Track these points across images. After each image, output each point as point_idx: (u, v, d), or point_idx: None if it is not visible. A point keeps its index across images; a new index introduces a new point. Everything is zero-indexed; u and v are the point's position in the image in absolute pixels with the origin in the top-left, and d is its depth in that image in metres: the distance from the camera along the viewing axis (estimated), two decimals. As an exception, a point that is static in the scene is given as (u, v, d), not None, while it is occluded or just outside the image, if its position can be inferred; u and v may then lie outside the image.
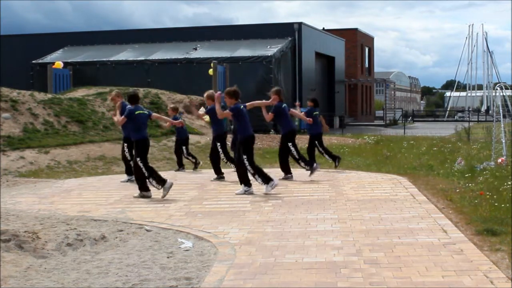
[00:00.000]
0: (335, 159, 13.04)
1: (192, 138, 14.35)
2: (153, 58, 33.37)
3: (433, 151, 16.96)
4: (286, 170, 11.63)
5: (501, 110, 14.08)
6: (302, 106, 17.19)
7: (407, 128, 36.19)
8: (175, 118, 13.49)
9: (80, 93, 22.64)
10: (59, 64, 28.41)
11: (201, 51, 33.87)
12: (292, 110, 12.54)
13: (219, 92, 10.40)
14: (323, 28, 47.33)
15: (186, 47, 34.82)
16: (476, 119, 53.52)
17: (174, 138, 13.99)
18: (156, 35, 38.05)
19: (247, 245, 6.34)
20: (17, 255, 5.96)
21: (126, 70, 32.56)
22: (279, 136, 12.40)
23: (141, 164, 9.59)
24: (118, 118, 10.41)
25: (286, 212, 8.16)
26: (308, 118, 12.50)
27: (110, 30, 42.13)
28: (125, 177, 11.75)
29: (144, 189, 9.65)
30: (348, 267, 5.43)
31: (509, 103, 16.32)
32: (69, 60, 33.04)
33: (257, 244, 6.38)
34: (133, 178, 11.45)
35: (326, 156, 13.09)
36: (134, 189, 10.27)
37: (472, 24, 79.54)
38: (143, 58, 33.58)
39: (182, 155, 13.57)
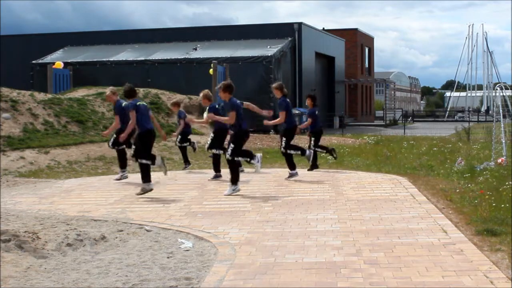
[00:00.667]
0: (331, 152, 13.12)
1: (193, 138, 14.33)
2: (153, 58, 33.37)
3: (433, 151, 16.96)
4: (292, 166, 11.59)
5: (501, 110, 14.08)
6: (302, 106, 17.16)
7: (407, 128, 36.19)
8: (180, 113, 13.47)
9: (80, 93, 22.64)
10: (59, 64, 28.41)
11: (201, 51, 33.87)
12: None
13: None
14: (323, 28, 47.35)
15: (186, 47, 34.82)
16: (476, 119, 53.52)
17: (174, 138, 13.94)
18: (156, 35, 38.05)
19: (247, 245, 6.34)
20: (17, 255, 5.95)
21: (126, 70, 32.55)
22: (279, 136, 12.38)
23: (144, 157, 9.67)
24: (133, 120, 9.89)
25: (286, 212, 8.16)
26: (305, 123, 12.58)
27: (110, 30, 42.13)
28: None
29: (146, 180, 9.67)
30: (348, 267, 5.43)
31: (509, 103, 16.30)
32: (69, 60, 33.04)
33: (257, 244, 6.38)
34: (125, 174, 11.59)
35: (319, 150, 13.09)
36: (134, 189, 10.28)
37: (472, 24, 79.48)
38: (143, 58, 33.57)
39: (186, 151, 13.57)
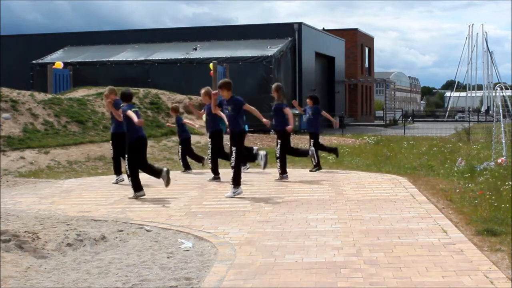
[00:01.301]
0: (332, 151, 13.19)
1: (193, 138, 14.33)
2: (153, 58, 33.38)
3: (433, 151, 16.96)
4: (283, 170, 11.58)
5: (501, 110, 14.07)
6: (302, 106, 17.17)
7: (407, 128, 36.20)
8: (178, 119, 13.47)
9: (80, 93, 22.64)
10: (59, 64, 28.42)
11: (201, 51, 33.88)
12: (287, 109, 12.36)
13: (215, 92, 10.39)
14: (323, 28, 47.37)
15: (186, 47, 34.83)
16: (476, 119, 53.52)
17: (174, 138, 13.91)
18: (156, 35, 38.08)
19: (247, 245, 6.34)
20: (17, 255, 5.95)
21: (126, 70, 32.58)
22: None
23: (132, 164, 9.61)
24: (134, 118, 9.67)
25: (286, 212, 8.16)
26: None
27: (110, 30, 42.16)
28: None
29: (136, 189, 9.59)
30: (348, 267, 5.43)
31: (509, 103, 16.30)
32: (69, 60, 33.06)
33: (257, 244, 6.38)
34: (121, 179, 11.41)
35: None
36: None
37: (472, 24, 79.48)
38: (143, 58, 33.58)
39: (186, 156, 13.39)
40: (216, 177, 11.55)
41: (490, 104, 68.80)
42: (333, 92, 44.44)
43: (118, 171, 11.47)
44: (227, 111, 9.84)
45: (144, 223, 7.60)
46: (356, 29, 53.01)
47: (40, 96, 18.89)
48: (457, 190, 9.47)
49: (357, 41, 51.75)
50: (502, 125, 14.00)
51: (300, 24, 35.88)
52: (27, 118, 16.91)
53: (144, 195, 9.58)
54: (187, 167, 13.17)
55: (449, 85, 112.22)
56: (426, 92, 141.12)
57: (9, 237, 6.35)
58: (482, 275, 5.09)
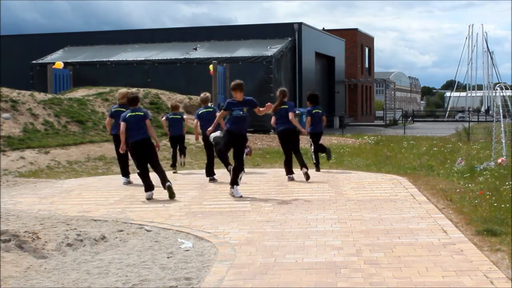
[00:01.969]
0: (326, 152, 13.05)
1: (193, 138, 14.32)
2: (153, 58, 33.37)
3: (433, 151, 16.96)
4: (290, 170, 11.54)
5: (501, 110, 14.07)
6: (302, 106, 17.15)
7: (407, 128, 36.21)
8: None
9: (80, 93, 22.65)
10: (59, 64, 28.41)
11: (201, 51, 33.87)
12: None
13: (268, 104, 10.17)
14: (323, 28, 47.36)
15: (186, 47, 34.83)
16: (476, 119, 53.54)
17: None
18: (156, 35, 38.07)
19: (247, 245, 6.34)
20: (17, 255, 5.95)
21: (126, 70, 32.57)
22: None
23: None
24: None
25: (286, 212, 8.16)
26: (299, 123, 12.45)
27: (110, 30, 42.17)
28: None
29: (146, 189, 9.61)
30: (348, 267, 5.43)
31: (509, 103, 16.31)
32: (69, 60, 33.05)
33: (257, 244, 6.38)
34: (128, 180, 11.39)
35: (313, 156, 12.96)
36: (134, 189, 10.28)
37: (472, 24, 79.64)
38: (143, 58, 33.58)
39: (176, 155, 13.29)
40: (212, 178, 11.55)
41: (490, 104, 68.83)
42: (333, 92, 44.44)
43: (124, 173, 11.43)
44: (241, 113, 9.51)
45: (144, 223, 7.60)
46: (356, 29, 53.00)
47: (40, 96, 18.90)
48: (457, 190, 9.47)
49: (357, 41, 51.74)
50: (502, 125, 14.00)
51: (300, 24, 35.87)
52: (27, 118, 16.91)
53: (150, 197, 9.53)
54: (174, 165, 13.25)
55: (449, 85, 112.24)
56: (426, 92, 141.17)
57: (9, 237, 6.35)
58: (482, 275, 5.09)
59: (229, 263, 5.65)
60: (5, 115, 16.24)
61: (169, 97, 22.90)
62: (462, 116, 60.90)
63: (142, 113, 9.72)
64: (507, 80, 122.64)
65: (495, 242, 6.22)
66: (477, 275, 5.08)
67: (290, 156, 11.40)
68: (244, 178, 10.22)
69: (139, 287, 5.05)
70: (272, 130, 25.61)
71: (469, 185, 9.90)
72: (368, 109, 56.42)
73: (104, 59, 34.32)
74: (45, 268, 5.63)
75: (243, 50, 33.07)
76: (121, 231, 7.13)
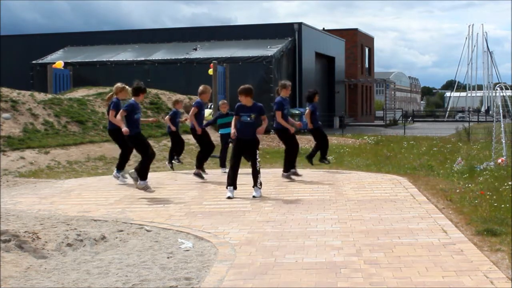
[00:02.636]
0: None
1: (192, 138, 14.30)
2: (153, 58, 33.38)
3: (433, 151, 16.96)
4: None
5: (501, 110, 14.07)
6: (302, 106, 17.14)
7: (407, 128, 36.21)
8: (175, 112, 13.43)
9: (80, 93, 22.64)
10: (59, 64, 28.42)
11: (201, 51, 33.88)
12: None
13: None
14: (323, 28, 47.37)
15: (186, 47, 34.83)
16: (476, 119, 53.54)
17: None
18: (156, 35, 38.07)
19: (247, 245, 6.34)
20: (17, 255, 5.95)
21: (126, 70, 32.54)
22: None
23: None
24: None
25: (286, 212, 8.16)
26: (297, 122, 12.42)
27: (110, 30, 42.18)
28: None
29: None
30: (348, 267, 5.43)
31: (509, 103, 16.31)
32: (69, 60, 33.06)
33: (257, 244, 6.38)
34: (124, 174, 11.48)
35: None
36: (134, 189, 10.27)
37: (472, 24, 79.62)
38: (143, 58, 33.58)
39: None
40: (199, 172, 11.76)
41: (490, 104, 68.85)
42: (333, 92, 44.44)
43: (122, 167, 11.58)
44: (248, 119, 9.44)
45: (144, 223, 7.60)
46: (356, 29, 53.01)
47: (40, 96, 18.90)
48: (457, 190, 9.47)
49: (357, 41, 51.75)
50: (502, 125, 13.99)
51: (300, 24, 35.88)
52: (27, 118, 16.91)
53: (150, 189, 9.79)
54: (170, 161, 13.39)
55: (449, 85, 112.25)
56: (426, 92, 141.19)
57: (9, 237, 6.35)
58: (482, 275, 5.09)
59: (229, 263, 5.65)
60: (5, 115, 16.24)
61: (169, 97, 22.89)
62: (462, 116, 60.90)
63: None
64: (507, 80, 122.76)
65: (495, 242, 6.22)
66: (477, 275, 5.08)
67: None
68: (243, 178, 10.22)
69: (139, 287, 5.05)
70: (271, 131, 25.64)
71: (469, 185, 9.90)
72: (368, 109, 56.42)
73: (104, 59, 34.33)
74: (45, 268, 5.63)
75: (243, 50, 33.08)
76: (121, 231, 7.13)
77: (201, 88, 12.31)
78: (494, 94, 15.48)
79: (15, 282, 5.20)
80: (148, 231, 7.14)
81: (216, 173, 12.77)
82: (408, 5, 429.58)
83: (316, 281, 5.04)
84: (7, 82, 25.03)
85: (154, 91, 23.30)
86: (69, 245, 6.41)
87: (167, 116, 13.33)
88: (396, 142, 21.68)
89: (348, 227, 7.10)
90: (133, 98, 9.98)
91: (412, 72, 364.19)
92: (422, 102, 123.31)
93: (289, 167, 11.55)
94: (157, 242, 6.61)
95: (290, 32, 35.35)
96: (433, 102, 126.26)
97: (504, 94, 15.51)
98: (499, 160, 12.95)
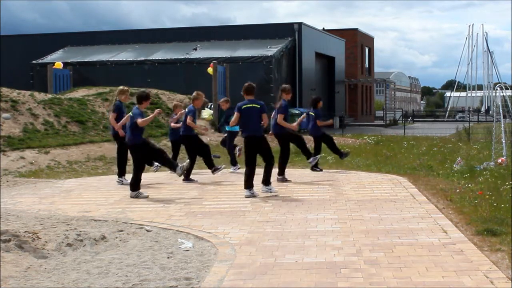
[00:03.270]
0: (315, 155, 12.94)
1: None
2: (153, 58, 33.38)
3: (433, 151, 16.96)
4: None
5: (501, 110, 14.06)
6: (302, 106, 17.14)
7: (407, 128, 36.19)
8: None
9: (80, 93, 22.64)
10: (59, 64, 28.42)
11: (201, 51, 33.89)
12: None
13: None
14: (323, 28, 47.37)
15: (186, 47, 34.84)
16: (476, 119, 53.53)
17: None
18: (156, 35, 38.08)
19: (247, 245, 6.34)
20: (17, 255, 5.95)
21: (126, 70, 32.58)
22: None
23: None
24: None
25: (286, 212, 8.16)
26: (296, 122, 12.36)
27: (110, 30, 42.20)
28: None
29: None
30: (348, 267, 5.43)
31: (509, 103, 16.31)
32: (69, 60, 33.07)
33: (257, 244, 6.38)
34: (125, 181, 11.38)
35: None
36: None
37: (472, 24, 79.60)
38: (143, 58, 33.58)
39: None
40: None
41: (490, 104, 68.83)
42: (333, 92, 44.43)
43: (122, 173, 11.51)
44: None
45: (144, 223, 7.60)
46: (356, 29, 53.00)
47: (40, 96, 18.90)
48: (457, 190, 9.47)
49: (357, 41, 51.74)
50: (502, 125, 13.99)
51: (300, 24, 35.88)
52: (27, 118, 16.91)
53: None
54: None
55: (449, 85, 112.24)
56: (426, 92, 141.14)
57: (9, 237, 6.35)
58: (482, 275, 5.09)
59: (229, 263, 5.65)
60: (5, 115, 16.24)
61: (169, 97, 22.89)
62: (462, 116, 60.89)
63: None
64: (507, 80, 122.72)
65: (495, 242, 6.22)
66: (477, 275, 5.08)
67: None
68: (243, 178, 10.20)
69: (139, 287, 5.05)
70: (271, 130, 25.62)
71: (469, 185, 9.90)
72: (368, 109, 56.41)
73: (104, 59, 34.34)
74: (45, 268, 5.63)
75: (243, 50, 33.09)
76: (121, 231, 7.13)
77: (194, 94, 12.21)
78: (494, 94, 15.47)
79: (15, 282, 5.20)
80: (148, 231, 7.14)
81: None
82: (408, 5, 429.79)
83: (316, 281, 5.04)
84: (7, 82, 25.04)
85: (154, 91, 23.27)
86: (69, 245, 6.41)
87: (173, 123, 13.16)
88: (396, 142, 21.68)
89: (348, 227, 7.10)
90: (136, 106, 9.84)
91: (412, 72, 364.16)
92: (422, 102, 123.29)
93: (283, 171, 11.45)
94: (157, 242, 6.61)
95: (290, 32, 35.36)
96: (433, 102, 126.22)
97: (504, 94, 15.50)
98: (499, 160, 12.95)
